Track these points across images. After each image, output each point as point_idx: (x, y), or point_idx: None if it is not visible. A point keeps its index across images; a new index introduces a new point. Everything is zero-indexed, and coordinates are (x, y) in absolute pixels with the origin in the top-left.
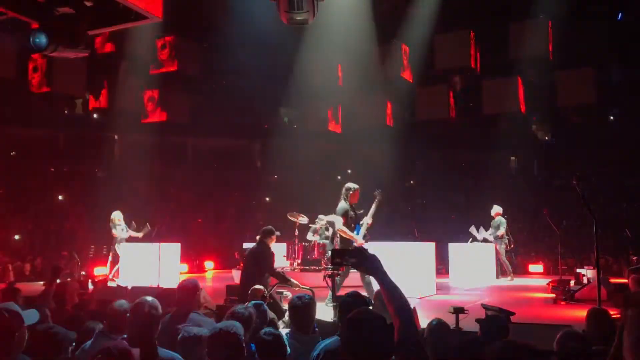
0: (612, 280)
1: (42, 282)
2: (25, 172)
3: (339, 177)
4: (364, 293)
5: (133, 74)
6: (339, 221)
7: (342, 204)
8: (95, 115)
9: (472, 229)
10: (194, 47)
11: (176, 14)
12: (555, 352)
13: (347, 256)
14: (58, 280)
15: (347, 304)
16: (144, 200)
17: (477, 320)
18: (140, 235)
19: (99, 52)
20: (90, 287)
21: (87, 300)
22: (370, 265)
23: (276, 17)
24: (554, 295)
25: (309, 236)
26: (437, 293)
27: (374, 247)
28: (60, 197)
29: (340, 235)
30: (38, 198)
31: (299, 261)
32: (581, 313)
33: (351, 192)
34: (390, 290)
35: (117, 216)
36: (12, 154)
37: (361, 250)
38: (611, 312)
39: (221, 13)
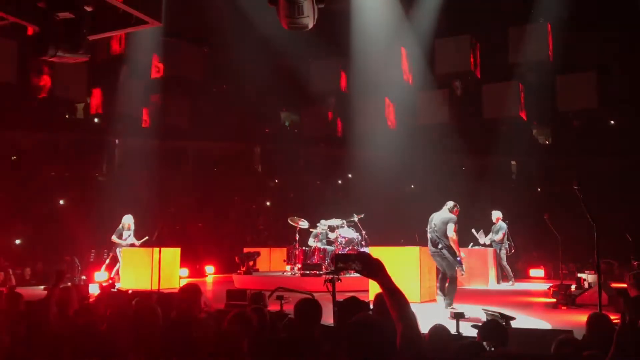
0: (613, 285)
1: (42, 287)
2: (25, 177)
3: (339, 182)
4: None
5: (134, 78)
6: (450, 228)
7: (452, 215)
8: (96, 120)
9: (474, 232)
10: (194, 51)
11: (177, 19)
12: (551, 357)
13: (351, 261)
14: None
15: (346, 309)
16: (145, 204)
17: (474, 326)
18: (138, 243)
19: (100, 57)
20: (92, 291)
21: (89, 305)
22: (374, 270)
23: (276, 22)
24: (555, 299)
25: (310, 241)
26: (438, 297)
27: (375, 252)
28: (61, 202)
29: (441, 241)
30: (39, 202)
31: (300, 266)
32: (582, 318)
33: (456, 208)
34: (393, 295)
35: (128, 221)
36: (12, 158)
37: (366, 255)
38: (612, 317)
39: (222, 17)
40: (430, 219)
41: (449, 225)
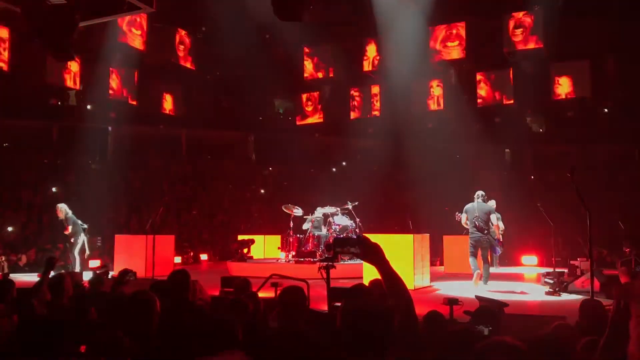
0: (605, 272)
1: (36, 274)
2: (18, 164)
3: (333, 169)
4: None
5: (126, 65)
6: (494, 217)
7: (491, 206)
8: (89, 107)
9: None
10: (188, 37)
11: (170, 5)
12: (548, 342)
13: (350, 245)
14: (53, 272)
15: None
16: (138, 192)
17: (467, 312)
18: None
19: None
20: (87, 278)
21: (84, 292)
22: (372, 255)
23: (270, 9)
24: (547, 286)
25: (305, 225)
26: (432, 284)
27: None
28: (54, 189)
29: (486, 228)
30: (32, 190)
31: (294, 253)
32: (574, 304)
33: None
34: (391, 280)
35: (65, 209)
36: (5, 145)
37: (364, 239)
38: (604, 304)
39: (215, 3)
40: (469, 209)
41: (492, 216)
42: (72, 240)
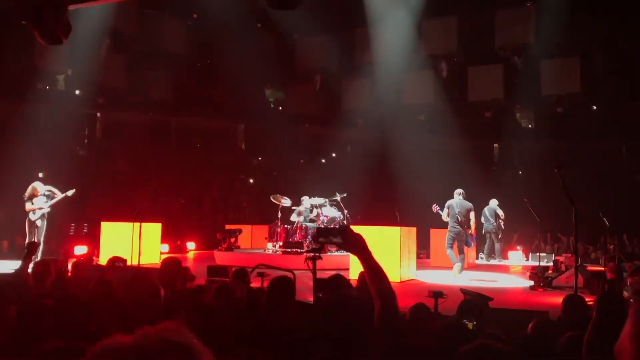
0: (589, 268)
1: (20, 261)
2: (4, 149)
3: (323, 160)
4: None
5: (116, 51)
6: (472, 215)
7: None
8: (77, 92)
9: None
10: (178, 24)
11: None
12: (529, 338)
13: (332, 235)
14: (37, 258)
15: (325, 286)
16: (126, 179)
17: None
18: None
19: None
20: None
21: (67, 278)
22: (355, 244)
23: None
24: (532, 281)
25: (293, 216)
26: (417, 277)
27: (356, 231)
28: (40, 175)
29: (466, 224)
30: (17, 175)
31: (281, 243)
32: (558, 300)
33: None
34: (373, 271)
35: (38, 187)
36: None
37: (347, 229)
38: (586, 299)
39: None
40: (451, 205)
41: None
42: (37, 224)
